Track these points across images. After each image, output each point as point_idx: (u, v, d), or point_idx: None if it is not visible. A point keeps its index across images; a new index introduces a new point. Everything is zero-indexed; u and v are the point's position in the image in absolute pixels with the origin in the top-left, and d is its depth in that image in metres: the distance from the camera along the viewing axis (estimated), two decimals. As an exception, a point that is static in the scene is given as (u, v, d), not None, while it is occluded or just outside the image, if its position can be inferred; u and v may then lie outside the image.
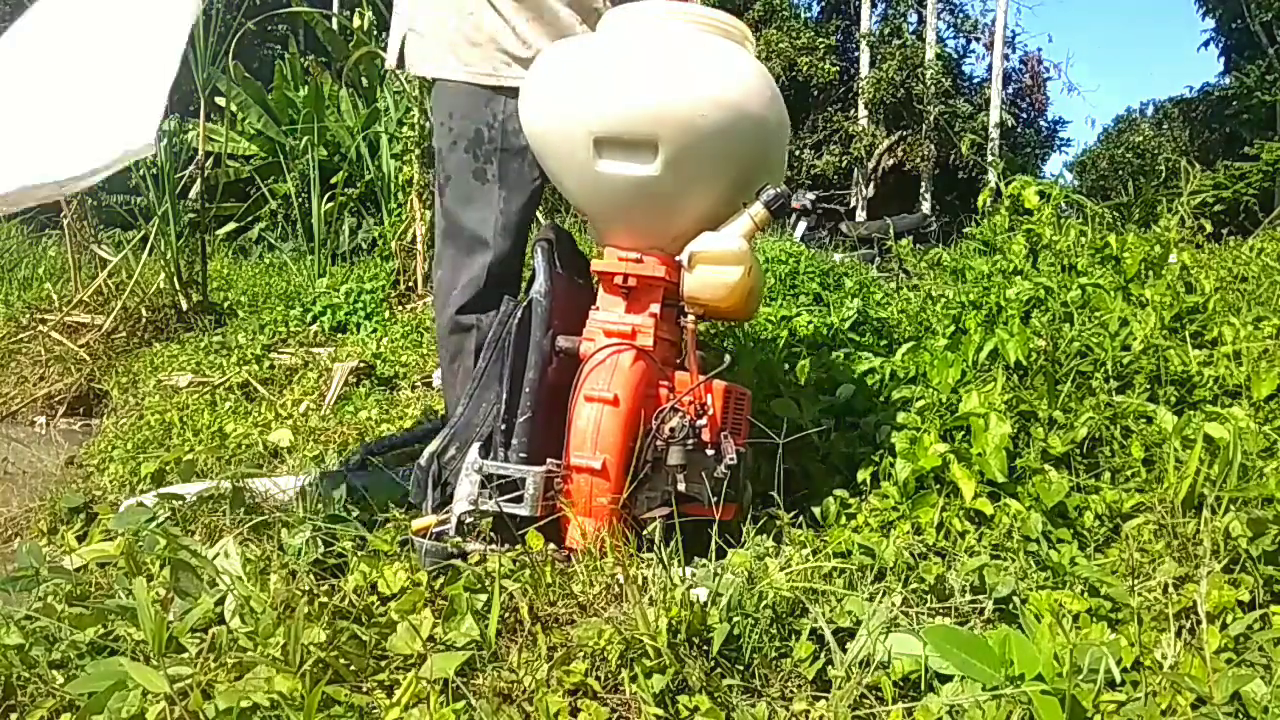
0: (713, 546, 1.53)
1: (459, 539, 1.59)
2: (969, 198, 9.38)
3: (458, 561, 1.51)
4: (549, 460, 1.66)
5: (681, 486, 1.68)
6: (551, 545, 1.57)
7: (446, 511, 1.68)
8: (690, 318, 1.74)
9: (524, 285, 1.82)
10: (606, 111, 1.63)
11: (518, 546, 1.55)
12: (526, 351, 1.71)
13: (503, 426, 1.68)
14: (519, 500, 1.61)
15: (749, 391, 1.85)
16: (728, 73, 1.65)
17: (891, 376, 2.39)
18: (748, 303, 1.76)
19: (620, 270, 1.75)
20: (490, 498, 1.62)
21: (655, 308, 1.77)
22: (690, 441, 1.67)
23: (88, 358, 4.33)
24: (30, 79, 1.57)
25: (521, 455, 1.65)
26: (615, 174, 1.66)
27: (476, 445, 1.70)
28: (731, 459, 1.69)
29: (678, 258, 1.75)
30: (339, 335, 4.72)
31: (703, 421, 1.70)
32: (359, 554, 1.58)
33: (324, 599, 1.38)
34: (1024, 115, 16.48)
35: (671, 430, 1.67)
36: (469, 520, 1.61)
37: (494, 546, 1.58)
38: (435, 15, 1.97)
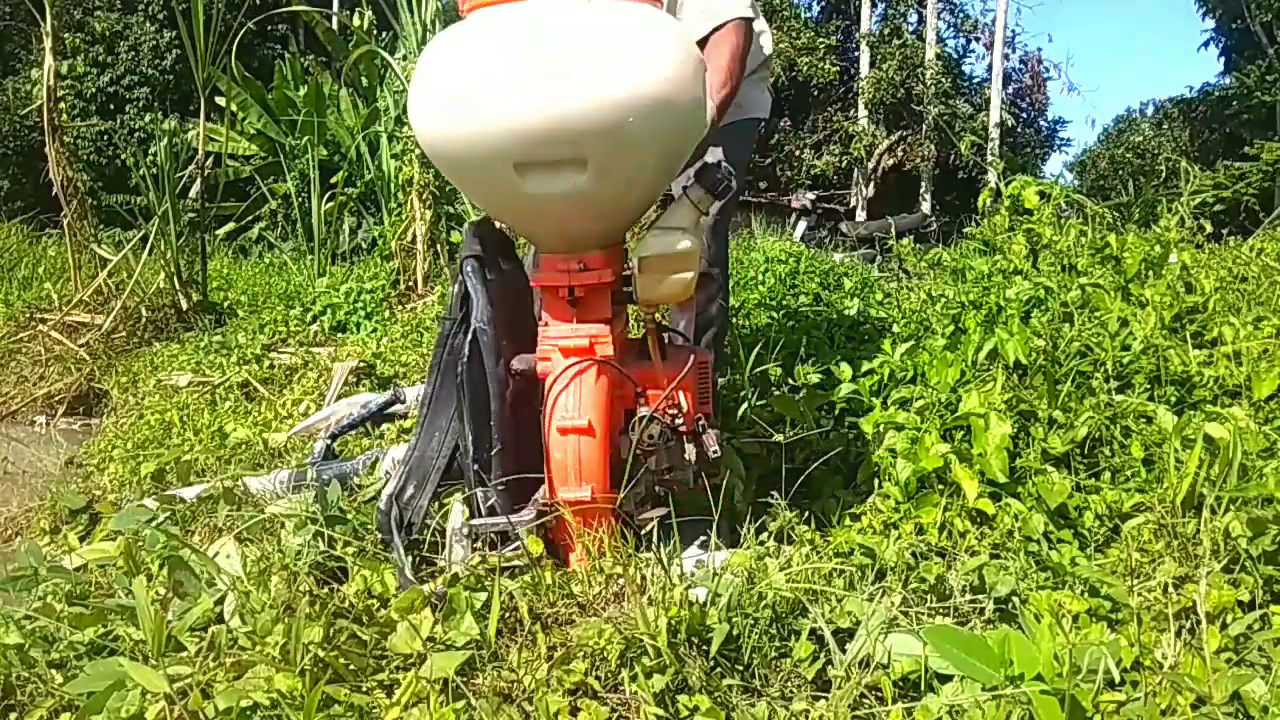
0: (712, 545, 1.53)
1: None
2: (969, 198, 9.38)
3: (457, 566, 1.51)
4: (533, 499, 1.64)
5: (665, 479, 1.68)
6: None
7: (441, 576, 1.64)
8: (647, 321, 1.70)
9: (458, 301, 1.72)
10: (523, 138, 1.44)
11: (530, 535, 1.54)
12: (485, 384, 1.65)
13: (475, 466, 1.64)
14: (516, 552, 1.58)
15: (708, 355, 1.82)
16: (642, 54, 1.44)
17: (891, 376, 2.39)
18: (693, 287, 1.69)
19: (565, 283, 1.64)
20: (485, 549, 1.60)
21: (606, 311, 1.68)
22: (671, 442, 1.66)
23: (88, 357, 4.33)
24: None
25: (500, 488, 1.63)
26: (544, 192, 1.50)
27: (458, 509, 1.65)
28: (715, 451, 1.67)
29: (627, 264, 1.68)
30: (339, 335, 4.72)
31: (679, 419, 1.67)
32: (358, 560, 1.58)
33: (324, 599, 1.38)
34: (1024, 115, 16.46)
35: (652, 438, 1.65)
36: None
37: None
38: None
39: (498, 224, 1.90)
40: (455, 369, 1.71)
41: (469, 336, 1.66)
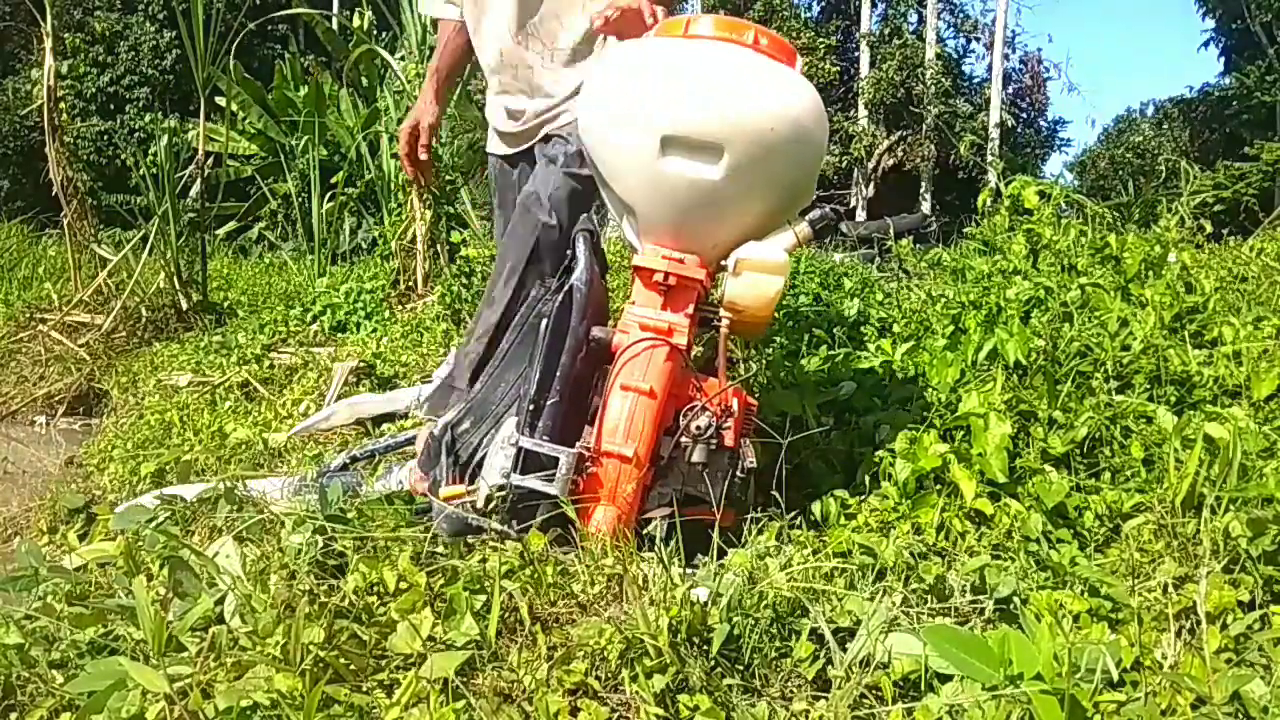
0: (714, 546, 1.53)
1: (481, 511, 1.61)
2: (969, 198, 9.38)
3: (457, 562, 1.51)
4: (579, 444, 1.68)
5: (696, 486, 1.70)
6: (558, 532, 1.58)
7: (476, 483, 1.68)
8: (725, 323, 1.76)
9: (560, 270, 1.83)
10: (679, 112, 1.66)
11: (532, 530, 1.55)
12: (564, 337, 1.72)
13: (530, 407, 1.69)
14: (550, 479, 1.62)
15: (755, 402, 1.88)
16: (795, 92, 1.72)
17: (891, 376, 2.39)
18: (772, 314, 1.81)
19: (663, 268, 1.77)
20: (523, 473, 1.63)
21: (690, 309, 1.80)
22: (713, 442, 1.70)
23: (88, 357, 4.34)
24: None
25: (546, 437, 1.67)
26: (677, 173, 1.69)
27: (513, 420, 1.70)
28: (751, 463, 1.72)
29: (722, 262, 1.78)
30: (339, 335, 4.72)
31: (727, 424, 1.72)
32: (359, 553, 1.58)
33: (324, 598, 1.37)
34: (1024, 115, 16.49)
35: (699, 428, 1.69)
36: (499, 494, 1.62)
37: (513, 525, 1.60)
38: None
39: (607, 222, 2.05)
40: (536, 332, 1.80)
41: (565, 291, 1.75)
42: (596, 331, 1.77)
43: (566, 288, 1.76)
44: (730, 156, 1.66)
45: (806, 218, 1.81)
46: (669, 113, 1.67)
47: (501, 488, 1.62)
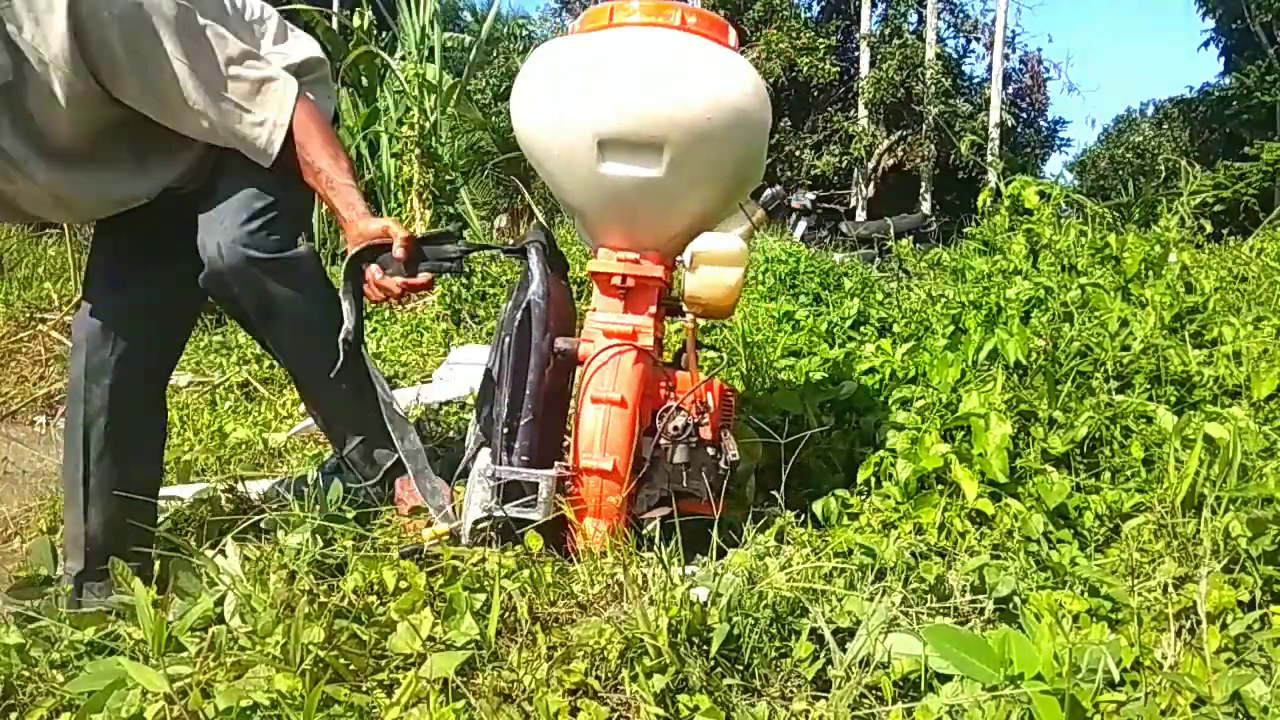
0: (713, 546, 1.53)
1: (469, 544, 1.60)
2: (969, 198, 9.38)
3: (457, 562, 1.51)
4: (557, 464, 1.67)
5: (682, 484, 1.69)
6: (552, 548, 1.58)
7: (457, 519, 1.68)
8: (690, 316, 1.74)
9: (516, 286, 1.82)
10: (612, 114, 1.61)
11: (518, 547, 1.55)
12: (528, 354, 1.70)
13: (504, 430, 1.68)
14: (531, 505, 1.61)
15: (736, 388, 1.87)
16: (729, 75, 1.66)
17: (891, 376, 2.39)
18: (737, 299, 1.78)
19: (619, 271, 1.75)
20: (505, 498, 1.62)
21: (653, 308, 1.77)
22: (693, 440, 1.68)
23: (87, 357, 4.32)
24: None
25: (524, 458, 1.66)
26: (619, 175, 1.65)
27: (486, 452, 1.69)
28: (733, 455, 1.70)
29: (679, 258, 1.75)
30: (339, 335, 4.71)
31: (704, 420, 1.71)
32: (358, 553, 1.58)
33: (323, 598, 1.37)
34: (1024, 115, 16.50)
35: (676, 429, 1.68)
36: (482, 527, 1.61)
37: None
38: None
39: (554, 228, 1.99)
40: (499, 350, 1.78)
41: (522, 307, 1.73)
42: (560, 343, 1.74)
43: (524, 304, 1.73)
44: (670, 152, 1.61)
45: (759, 200, 1.78)
46: (600, 115, 1.61)
47: (484, 520, 1.61)
